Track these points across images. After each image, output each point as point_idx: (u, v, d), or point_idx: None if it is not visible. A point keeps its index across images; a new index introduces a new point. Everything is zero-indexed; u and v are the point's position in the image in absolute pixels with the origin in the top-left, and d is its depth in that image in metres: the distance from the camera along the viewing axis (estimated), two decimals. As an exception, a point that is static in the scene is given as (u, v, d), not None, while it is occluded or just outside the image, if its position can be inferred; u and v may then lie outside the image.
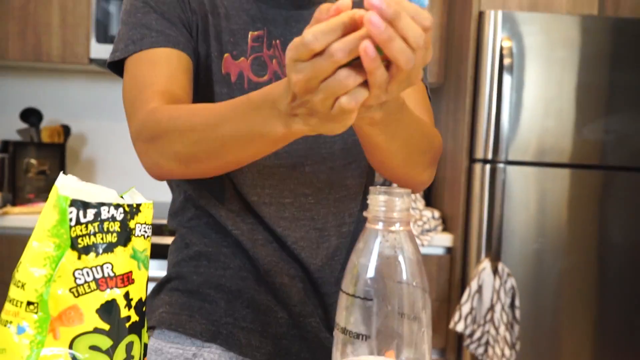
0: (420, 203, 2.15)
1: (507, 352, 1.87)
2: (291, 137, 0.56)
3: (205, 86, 0.77)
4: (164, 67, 0.72)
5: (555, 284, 1.96)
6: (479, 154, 1.95)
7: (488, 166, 1.93)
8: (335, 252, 0.81)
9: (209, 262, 0.80)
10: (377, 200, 0.46)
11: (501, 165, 1.91)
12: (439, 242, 2.04)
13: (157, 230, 2.00)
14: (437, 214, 2.11)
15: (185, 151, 0.64)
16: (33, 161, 2.24)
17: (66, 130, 2.35)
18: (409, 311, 0.46)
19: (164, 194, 2.41)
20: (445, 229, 2.13)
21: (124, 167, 2.46)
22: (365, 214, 0.47)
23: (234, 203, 0.79)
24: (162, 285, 0.84)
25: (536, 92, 1.92)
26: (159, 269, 1.94)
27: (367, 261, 0.46)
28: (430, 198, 2.33)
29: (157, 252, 1.93)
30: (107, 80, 2.47)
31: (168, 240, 1.93)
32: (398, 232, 0.46)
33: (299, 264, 0.79)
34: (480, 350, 1.89)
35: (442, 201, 2.22)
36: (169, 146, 0.65)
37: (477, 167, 1.95)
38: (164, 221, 2.01)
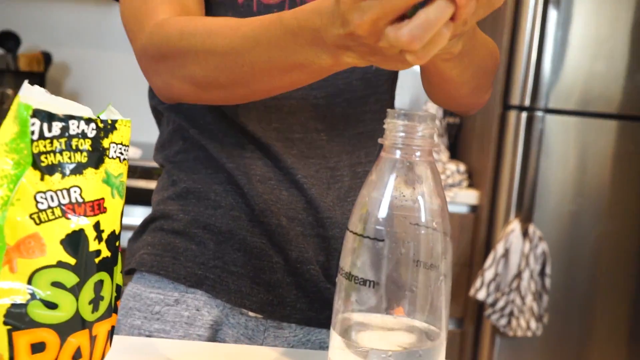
0: (444, 155, 2.12)
1: (533, 324, 1.87)
2: (339, 68, 0.54)
3: (208, 8, 0.75)
4: None
5: (592, 251, 1.94)
6: (515, 100, 1.90)
7: (524, 114, 1.89)
8: (349, 193, 0.80)
9: (197, 200, 0.79)
10: (396, 125, 0.43)
11: (539, 114, 1.86)
12: (463, 199, 2.02)
13: (146, 173, 1.99)
14: (462, 167, 2.08)
15: (203, 75, 0.63)
16: (9, 91, 2.22)
17: (47, 58, 2.32)
18: (426, 257, 0.44)
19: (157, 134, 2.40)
20: (470, 185, 2.10)
21: (111, 101, 2.43)
22: (380, 140, 0.45)
23: (231, 135, 0.78)
24: (144, 225, 0.83)
25: (585, 31, 1.86)
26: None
27: (380, 195, 0.43)
28: (456, 149, 2.29)
29: (145, 197, 1.93)
30: (95, 3, 2.42)
31: (158, 184, 1.92)
32: (418, 162, 0.44)
33: (306, 202, 0.78)
34: (503, 321, 1.89)
35: (469, 153, 2.19)
36: (184, 68, 0.64)
37: (512, 114, 1.91)
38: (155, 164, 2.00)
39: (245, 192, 0.77)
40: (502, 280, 1.89)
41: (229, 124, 0.77)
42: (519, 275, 1.87)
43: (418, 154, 0.43)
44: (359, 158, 0.81)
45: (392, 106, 0.85)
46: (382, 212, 0.43)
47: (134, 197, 1.92)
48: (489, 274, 1.89)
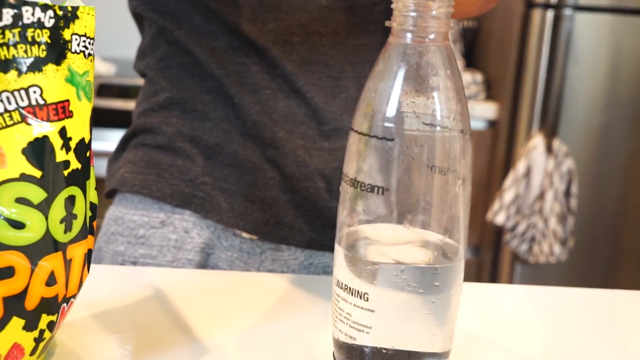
0: (459, 63, 2.09)
1: (556, 249, 1.90)
2: None
3: None
4: None
5: (623, 168, 1.94)
6: (540, -4, 1.86)
7: (550, 13, 1.85)
8: (355, 103, 0.79)
9: (182, 111, 0.78)
10: (405, 3, 0.41)
11: (567, 12, 1.82)
12: (481, 113, 2.01)
13: (123, 92, 1.96)
14: (479, 77, 2.06)
15: None
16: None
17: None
18: (442, 160, 0.42)
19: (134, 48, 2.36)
20: (488, 97, 2.08)
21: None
22: (387, 23, 0.43)
23: (221, 39, 0.76)
24: (125, 142, 0.83)
25: None
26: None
27: (388, 88, 0.42)
28: (472, 57, 2.25)
29: (123, 119, 1.91)
30: None
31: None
32: (433, 48, 0.42)
33: (309, 112, 0.77)
34: (524, 246, 1.91)
35: (486, 61, 2.16)
36: None
37: (536, 13, 1.87)
38: (137, 81, 1.97)
39: (236, 102, 0.76)
40: (523, 202, 1.90)
41: (219, 26, 0.75)
42: (541, 196, 1.87)
43: (432, 36, 0.41)
44: (363, 71, 0.80)
45: None
46: (391, 108, 0.42)
47: (110, 118, 1.90)
48: (508, 196, 1.89)
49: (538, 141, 1.87)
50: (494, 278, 2.07)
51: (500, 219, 1.90)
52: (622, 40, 1.87)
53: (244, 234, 0.77)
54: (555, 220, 1.88)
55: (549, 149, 1.87)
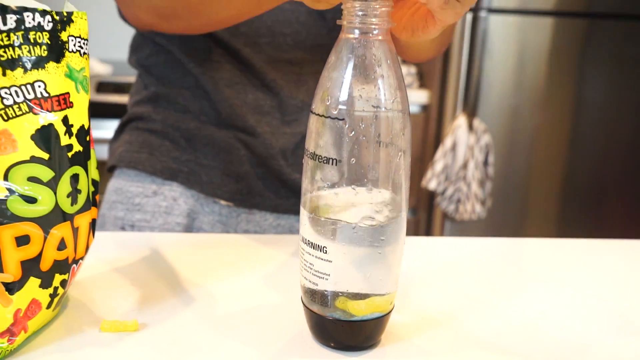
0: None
1: (477, 208, 1.92)
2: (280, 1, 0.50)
3: None
4: None
5: (529, 141, 1.97)
6: (460, 3, 1.85)
7: (469, 16, 1.85)
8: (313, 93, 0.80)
9: (167, 103, 0.77)
10: (352, 4, 0.40)
11: (483, 14, 1.83)
12: (415, 99, 2.01)
13: (118, 88, 1.91)
14: (413, 69, 2.06)
15: (163, 6, 0.60)
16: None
17: (8, -22, 2.16)
18: (385, 135, 0.42)
19: (122, 52, 2.30)
20: (421, 86, 2.08)
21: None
22: (338, 22, 0.42)
23: (198, 40, 0.74)
24: (122, 125, 0.82)
25: None
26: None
27: (340, 77, 0.41)
28: (407, 53, 2.25)
29: (118, 111, 1.87)
30: None
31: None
32: (376, 42, 0.41)
33: (275, 103, 0.76)
34: (452, 207, 1.93)
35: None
36: (147, 0, 0.62)
37: (457, 17, 1.87)
38: (130, 79, 1.92)
39: (212, 97, 0.75)
40: (450, 170, 1.91)
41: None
42: (465, 165, 1.89)
43: (375, 32, 0.41)
44: (321, 67, 0.79)
45: None
46: (343, 93, 0.41)
47: (107, 110, 1.86)
48: (438, 166, 1.91)
49: (461, 121, 1.88)
50: (428, 233, 2.10)
51: (432, 185, 1.92)
52: (527, 36, 1.89)
53: (222, 202, 0.77)
54: (476, 185, 1.90)
55: (470, 127, 1.88)
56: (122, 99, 1.87)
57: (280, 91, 0.76)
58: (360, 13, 0.40)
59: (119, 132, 0.82)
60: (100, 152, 2.08)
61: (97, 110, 1.82)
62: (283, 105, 0.76)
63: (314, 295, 0.45)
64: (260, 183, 0.77)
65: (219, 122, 0.76)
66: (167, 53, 0.76)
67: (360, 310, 0.44)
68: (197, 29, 0.63)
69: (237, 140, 0.75)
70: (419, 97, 2.01)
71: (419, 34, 0.46)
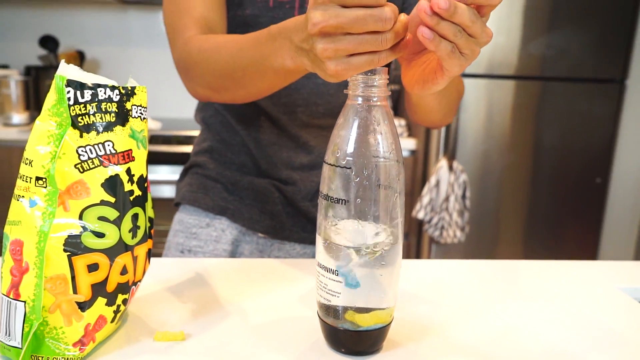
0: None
1: (458, 233, 1.90)
2: (300, 71, 0.49)
3: (232, 6, 0.70)
4: None
5: (498, 178, 1.96)
6: (439, 70, 1.88)
7: (446, 80, 1.87)
8: None
9: (219, 155, 0.78)
10: (356, 78, 0.41)
11: (458, 79, 1.84)
12: (405, 145, 2.01)
13: (166, 140, 1.94)
14: (403, 122, 2.07)
15: (214, 81, 0.60)
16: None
17: (81, 55, 2.22)
18: (384, 180, 0.42)
19: (177, 112, 2.34)
20: (410, 135, 2.09)
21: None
22: (345, 91, 0.42)
23: (246, 108, 0.75)
24: (185, 170, 0.83)
25: (489, 14, 1.84)
26: (170, 172, 1.90)
27: (347, 134, 0.41)
28: (397, 109, 2.27)
29: (166, 159, 1.88)
30: (116, 9, 2.30)
31: (178, 148, 1.88)
32: (376, 107, 0.41)
33: (308, 160, 0.76)
34: (437, 233, 1.92)
35: (406, 112, 2.17)
36: (201, 77, 0.61)
37: (437, 80, 1.89)
38: (176, 132, 1.94)
39: (254, 154, 0.76)
40: (435, 203, 1.91)
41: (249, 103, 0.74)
42: (447, 198, 1.88)
43: (375, 99, 0.41)
44: None
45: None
46: (350, 147, 0.41)
47: (157, 158, 1.87)
48: (425, 199, 1.90)
49: (443, 163, 1.89)
50: (418, 254, 2.08)
51: (420, 215, 1.91)
52: (494, 95, 1.90)
53: (260, 234, 0.77)
54: (457, 215, 1.89)
55: (450, 168, 1.88)
56: (170, 148, 1.88)
57: (312, 151, 0.76)
58: (362, 85, 0.41)
59: (183, 174, 0.83)
60: (154, 191, 2.06)
61: (149, 158, 1.84)
62: (312, 161, 0.77)
63: (327, 310, 0.45)
64: (290, 220, 0.77)
65: (258, 173, 0.76)
66: (223, 116, 0.77)
67: (365, 321, 0.44)
68: (241, 99, 0.63)
69: (272, 186, 0.76)
70: (408, 144, 2.02)
71: (429, 85, 0.44)
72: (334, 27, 0.38)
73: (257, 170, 0.76)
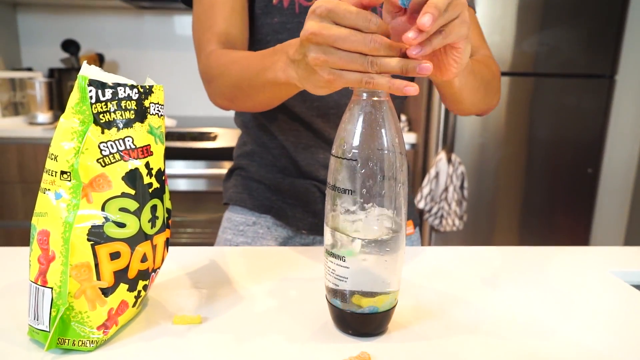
0: (390, 109, 2.09)
1: (457, 222, 1.90)
2: (290, 84, 0.48)
3: (260, 16, 0.70)
4: (221, 7, 0.66)
5: (494, 170, 1.95)
6: (438, 67, 1.86)
7: (445, 77, 1.86)
8: None
9: (260, 158, 0.78)
10: (361, 74, 0.41)
11: (455, 76, 1.83)
12: (406, 139, 2.00)
13: (181, 137, 1.94)
14: (404, 117, 2.06)
15: (228, 92, 0.61)
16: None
17: (101, 58, 2.22)
18: (388, 171, 0.42)
19: (191, 110, 2.34)
20: (410, 129, 2.08)
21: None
22: (350, 87, 0.42)
23: (281, 114, 0.75)
24: (230, 172, 0.83)
25: (485, 12, 1.81)
26: (185, 167, 1.90)
27: (353, 128, 0.41)
28: (402, 104, 2.25)
29: (181, 154, 1.88)
30: (134, 14, 2.30)
31: (192, 144, 1.87)
32: (379, 101, 0.41)
33: None
34: (437, 221, 1.91)
35: (407, 108, 2.16)
36: (218, 88, 0.62)
37: (436, 78, 1.88)
38: (189, 129, 1.94)
39: (293, 157, 0.75)
40: (435, 193, 1.90)
41: (280, 106, 0.74)
42: (446, 189, 1.88)
43: (379, 95, 0.41)
44: None
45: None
46: (355, 140, 0.41)
47: (173, 154, 1.88)
48: (425, 190, 1.89)
49: (442, 155, 1.88)
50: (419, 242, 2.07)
51: (421, 205, 1.90)
52: (490, 91, 1.89)
53: (303, 231, 0.77)
54: (455, 204, 1.88)
55: (449, 160, 1.87)
56: (185, 144, 1.88)
57: None
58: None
59: (228, 176, 0.83)
60: (171, 185, 2.06)
61: (166, 153, 1.84)
62: None
63: (335, 294, 0.45)
64: None
65: (298, 175, 0.76)
66: (260, 122, 0.77)
67: (371, 305, 0.44)
68: (251, 108, 0.63)
69: (313, 186, 0.76)
70: (409, 138, 2.01)
71: (444, 72, 0.44)
72: (324, 38, 0.38)
73: (298, 172, 0.76)
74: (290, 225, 0.76)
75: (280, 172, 0.77)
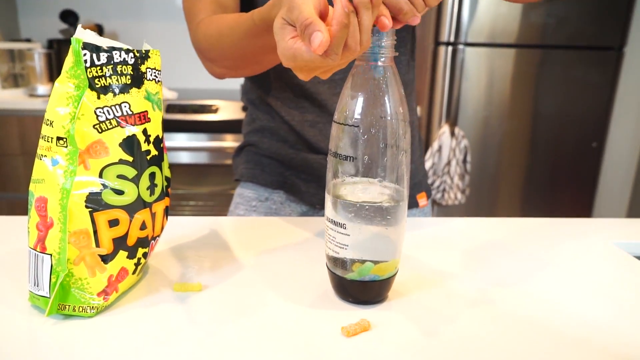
0: (394, 82, 2.06)
1: (459, 196, 1.89)
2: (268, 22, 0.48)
3: None
4: None
5: (498, 143, 1.94)
6: (443, 38, 1.83)
7: (450, 48, 1.82)
8: None
9: (271, 134, 0.77)
10: (363, 37, 0.39)
11: (460, 47, 1.80)
12: (408, 113, 1.98)
13: (182, 109, 1.92)
14: (407, 90, 2.03)
15: (224, 59, 0.61)
16: (76, 56, 2.10)
17: (100, 28, 2.19)
18: (391, 138, 0.41)
19: (192, 82, 2.32)
20: (413, 103, 2.06)
21: (152, 59, 2.32)
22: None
23: (287, 92, 0.73)
24: (240, 149, 0.82)
25: (492, -18, 1.77)
26: (187, 140, 1.89)
27: (355, 93, 0.40)
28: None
29: (181, 126, 1.87)
30: (130, -16, 2.25)
31: (193, 116, 1.86)
32: (383, 66, 0.40)
33: None
34: (439, 195, 1.91)
35: (411, 80, 2.13)
36: (211, 57, 0.62)
37: (441, 49, 1.84)
38: (191, 102, 1.93)
39: (303, 133, 0.74)
40: (437, 167, 1.89)
41: (285, 83, 0.73)
42: (448, 163, 1.87)
43: (383, 59, 0.39)
44: None
45: (413, 58, 0.79)
46: (358, 106, 0.40)
47: (174, 126, 1.87)
48: (428, 164, 1.89)
49: (445, 129, 1.86)
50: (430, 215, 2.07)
51: (423, 179, 1.90)
52: (495, 63, 1.85)
53: (317, 206, 0.76)
54: (458, 178, 1.88)
55: (452, 134, 1.86)
56: (186, 117, 1.87)
57: None
58: (371, 45, 0.39)
59: (238, 152, 0.82)
60: (170, 156, 2.06)
61: (166, 126, 1.83)
62: None
63: (336, 262, 0.45)
64: None
65: (309, 150, 0.75)
66: (266, 101, 0.76)
67: (371, 272, 0.44)
68: (250, 72, 0.63)
69: (324, 161, 0.75)
70: (411, 111, 1.99)
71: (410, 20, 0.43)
72: (303, 69, 0.39)
73: (308, 147, 0.75)
74: (304, 200, 0.75)
75: (292, 147, 0.76)
